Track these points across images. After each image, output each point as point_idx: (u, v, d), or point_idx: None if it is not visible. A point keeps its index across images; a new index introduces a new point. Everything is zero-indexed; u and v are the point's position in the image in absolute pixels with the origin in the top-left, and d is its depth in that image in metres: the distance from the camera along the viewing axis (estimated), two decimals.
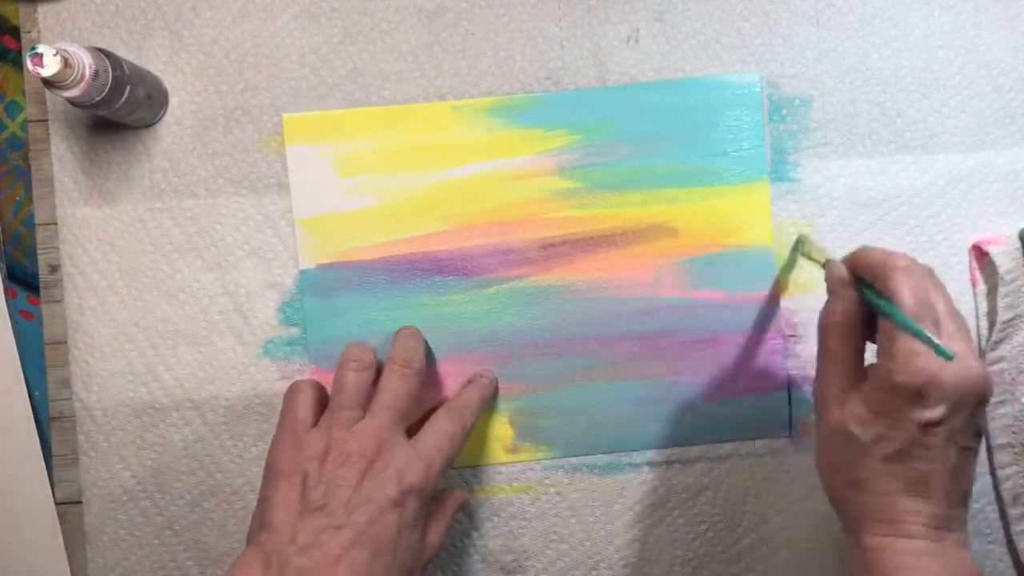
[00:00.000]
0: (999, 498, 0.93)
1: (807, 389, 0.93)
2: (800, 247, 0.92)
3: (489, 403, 0.93)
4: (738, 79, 0.93)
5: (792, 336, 0.93)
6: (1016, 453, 0.92)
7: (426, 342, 0.91)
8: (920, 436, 0.70)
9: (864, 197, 0.93)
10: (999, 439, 0.92)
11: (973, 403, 0.71)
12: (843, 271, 0.77)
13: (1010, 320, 0.91)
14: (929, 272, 0.75)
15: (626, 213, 0.93)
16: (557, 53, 0.93)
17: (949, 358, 0.68)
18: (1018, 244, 0.91)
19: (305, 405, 0.83)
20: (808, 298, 0.93)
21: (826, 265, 0.81)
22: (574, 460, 0.94)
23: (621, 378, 0.93)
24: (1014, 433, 0.92)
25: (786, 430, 0.94)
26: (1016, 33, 0.93)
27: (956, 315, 0.74)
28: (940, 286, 0.75)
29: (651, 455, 0.94)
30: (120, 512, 0.93)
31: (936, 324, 0.71)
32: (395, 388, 0.82)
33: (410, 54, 0.93)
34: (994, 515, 0.94)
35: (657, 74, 0.93)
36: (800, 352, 0.93)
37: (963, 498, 0.73)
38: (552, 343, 0.93)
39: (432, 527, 0.84)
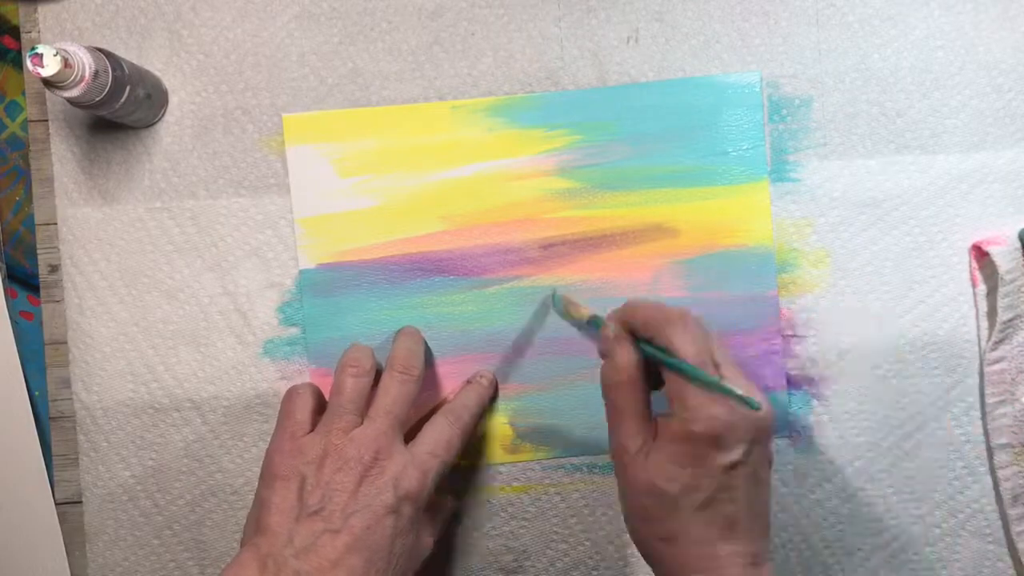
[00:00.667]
0: (999, 498, 0.93)
1: (807, 389, 0.93)
2: (556, 305, 0.92)
3: (488, 404, 0.93)
4: (738, 79, 0.93)
5: (792, 336, 0.93)
6: (1016, 453, 0.92)
7: (425, 343, 0.91)
8: (725, 479, 0.71)
9: (864, 197, 0.93)
10: (999, 439, 0.92)
11: (765, 437, 0.73)
12: (617, 329, 0.78)
13: (1010, 320, 0.91)
14: (700, 320, 0.76)
15: (626, 213, 0.93)
16: (557, 53, 0.93)
17: (756, 408, 0.70)
18: (1018, 244, 0.91)
19: (303, 408, 0.83)
20: (808, 298, 0.93)
21: (592, 322, 0.83)
22: (575, 460, 0.94)
23: None
24: (1014, 433, 0.92)
25: (785, 430, 0.93)
26: (1016, 33, 0.93)
27: (727, 355, 0.75)
28: (711, 332, 0.76)
29: None
30: (120, 512, 0.93)
31: (716, 367, 0.73)
32: (394, 394, 0.83)
33: (410, 54, 0.93)
34: (994, 515, 0.94)
35: (657, 74, 0.93)
36: (800, 352, 0.93)
37: (767, 528, 0.75)
38: (552, 343, 0.93)
39: (425, 531, 0.85)
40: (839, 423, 0.93)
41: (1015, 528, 0.92)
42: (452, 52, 0.93)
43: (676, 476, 0.72)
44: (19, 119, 0.94)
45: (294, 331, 0.93)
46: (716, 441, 0.70)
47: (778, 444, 0.93)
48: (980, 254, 0.93)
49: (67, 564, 0.92)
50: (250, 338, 0.93)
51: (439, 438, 0.83)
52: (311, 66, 0.93)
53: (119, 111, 0.85)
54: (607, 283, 0.93)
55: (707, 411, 0.70)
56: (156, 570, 0.94)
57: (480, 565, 0.94)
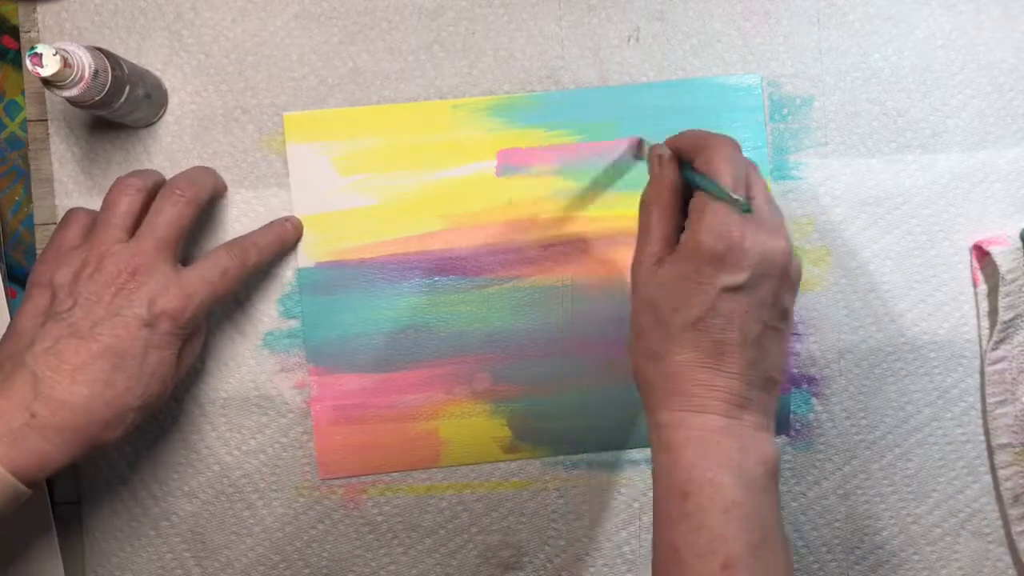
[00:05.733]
0: (999, 498, 0.93)
1: (807, 388, 0.93)
2: (638, 153, 0.92)
3: (289, 248, 0.93)
4: (739, 81, 0.93)
5: (793, 334, 0.93)
6: (1016, 453, 0.92)
7: (218, 177, 0.92)
8: (719, 302, 0.71)
9: (865, 196, 0.93)
10: (999, 439, 0.92)
11: (776, 275, 0.73)
12: (664, 150, 0.79)
13: (1011, 320, 0.91)
14: (748, 161, 0.77)
15: (628, 213, 0.92)
16: (558, 52, 0.93)
17: (747, 210, 0.71)
18: (1019, 244, 0.91)
19: (78, 225, 0.84)
20: (808, 296, 0.93)
21: (649, 150, 0.83)
22: (573, 456, 0.94)
23: (623, 381, 0.93)
24: (1014, 433, 0.92)
25: (785, 428, 0.94)
26: (1017, 33, 0.93)
27: (772, 201, 0.76)
28: (760, 177, 0.77)
29: (650, 452, 0.94)
30: (117, 503, 0.94)
31: (749, 191, 0.74)
32: (164, 214, 0.82)
33: (410, 54, 0.93)
34: (994, 515, 0.94)
35: (658, 74, 0.93)
36: (800, 351, 0.93)
37: (764, 381, 0.74)
38: (552, 345, 0.93)
39: (188, 350, 0.85)
40: (838, 421, 0.93)
41: (1015, 528, 0.93)
42: (452, 51, 0.93)
43: (673, 290, 0.73)
44: (18, 119, 0.94)
45: (294, 323, 0.93)
46: (719, 259, 0.71)
47: (777, 442, 0.93)
48: (981, 254, 0.93)
49: (60, 562, 0.92)
50: (250, 330, 0.93)
51: (215, 266, 0.83)
52: (311, 66, 0.93)
53: (119, 111, 0.85)
54: (609, 283, 0.93)
55: (719, 227, 0.71)
56: (152, 561, 0.94)
57: (478, 560, 0.94)
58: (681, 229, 0.76)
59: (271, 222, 0.92)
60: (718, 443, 0.71)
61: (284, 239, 0.92)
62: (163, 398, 0.82)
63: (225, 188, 0.93)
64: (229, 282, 0.84)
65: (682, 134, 0.79)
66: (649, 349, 0.74)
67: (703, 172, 0.74)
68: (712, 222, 0.71)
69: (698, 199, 0.73)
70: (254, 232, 0.90)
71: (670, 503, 0.71)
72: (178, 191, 0.83)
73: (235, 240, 0.88)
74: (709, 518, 0.69)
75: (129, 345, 0.78)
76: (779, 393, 0.76)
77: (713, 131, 0.78)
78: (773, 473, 0.72)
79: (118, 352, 0.77)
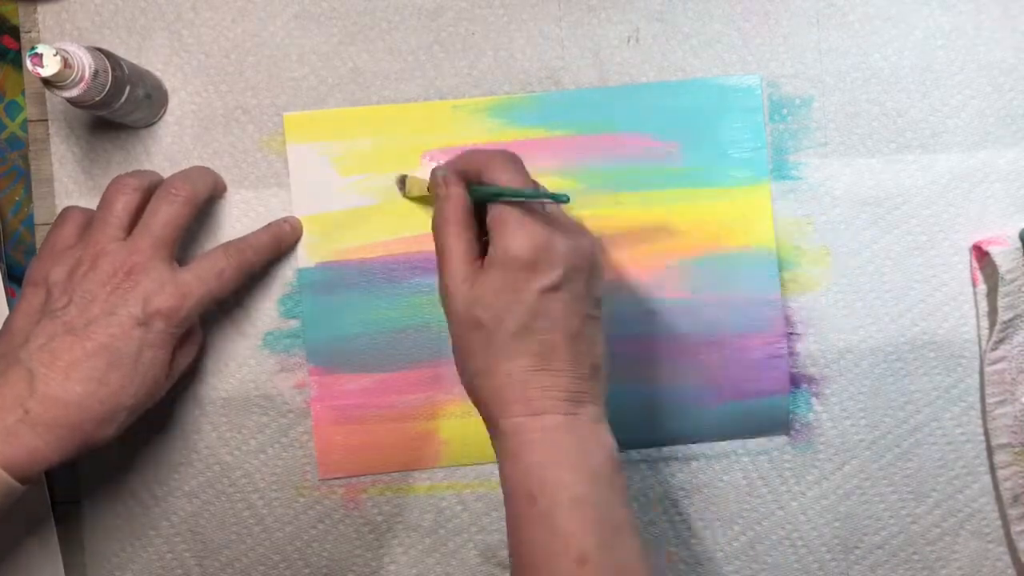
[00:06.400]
0: (999, 498, 0.93)
1: (806, 387, 0.93)
2: (402, 189, 0.92)
3: (287, 249, 0.93)
4: (738, 82, 0.93)
5: (793, 335, 0.93)
6: (1016, 453, 0.92)
7: (217, 179, 0.92)
8: (540, 304, 0.72)
9: (865, 196, 0.93)
10: (999, 439, 0.92)
11: (586, 267, 0.75)
12: (446, 171, 0.80)
13: (1010, 320, 0.91)
14: (518, 157, 0.79)
15: (626, 213, 0.92)
16: (558, 53, 0.93)
17: (565, 200, 0.72)
18: (1019, 244, 0.91)
19: (73, 223, 0.85)
20: (808, 296, 0.93)
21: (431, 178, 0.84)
22: None
23: (620, 381, 0.92)
24: (1014, 433, 0.92)
25: (785, 429, 0.94)
26: (1017, 33, 0.93)
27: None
28: (539, 184, 0.80)
29: (648, 452, 0.94)
30: (117, 503, 0.94)
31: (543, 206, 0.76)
32: (160, 214, 0.83)
33: (410, 54, 0.93)
34: (994, 515, 0.94)
35: (658, 74, 0.93)
36: (800, 350, 0.93)
37: (592, 371, 0.75)
38: None
39: (183, 351, 0.86)
40: (838, 421, 0.93)
41: (1015, 528, 0.93)
42: (452, 52, 0.93)
43: (492, 303, 0.73)
44: (19, 119, 0.94)
45: (294, 323, 0.93)
46: (532, 264, 0.72)
47: (776, 442, 0.93)
48: (981, 254, 0.93)
49: (61, 563, 0.92)
50: (250, 330, 0.93)
51: (210, 267, 0.84)
52: (311, 66, 0.93)
53: (119, 111, 0.85)
54: (607, 284, 0.91)
55: (526, 233, 0.72)
56: (152, 561, 0.94)
57: (478, 560, 0.94)
58: (478, 246, 0.78)
59: (269, 223, 0.92)
60: (559, 441, 0.72)
61: (282, 240, 0.92)
62: (156, 398, 0.83)
63: (224, 188, 0.93)
64: (225, 283, 0.85)
65: (462, 155, 0.81)
66: (478, 367, 0.75)
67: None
68: (518, 230, 0.73)
69: (498, 211, 0.74)
70: (252, 233, 0.90)
71: (519, 508, 0.72)
72: (174, 190, 0.84)
73: (233, 241, 0.88)
74: (557, 517, 0.70)
75: (123, 343, 0.78)
76: (605, 380, 0.77)
77: (486, 148, 0.82)
78: (615, 463, 0.74)
79: (112, 350, 0.78)
